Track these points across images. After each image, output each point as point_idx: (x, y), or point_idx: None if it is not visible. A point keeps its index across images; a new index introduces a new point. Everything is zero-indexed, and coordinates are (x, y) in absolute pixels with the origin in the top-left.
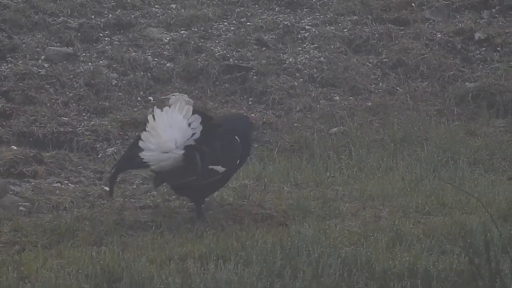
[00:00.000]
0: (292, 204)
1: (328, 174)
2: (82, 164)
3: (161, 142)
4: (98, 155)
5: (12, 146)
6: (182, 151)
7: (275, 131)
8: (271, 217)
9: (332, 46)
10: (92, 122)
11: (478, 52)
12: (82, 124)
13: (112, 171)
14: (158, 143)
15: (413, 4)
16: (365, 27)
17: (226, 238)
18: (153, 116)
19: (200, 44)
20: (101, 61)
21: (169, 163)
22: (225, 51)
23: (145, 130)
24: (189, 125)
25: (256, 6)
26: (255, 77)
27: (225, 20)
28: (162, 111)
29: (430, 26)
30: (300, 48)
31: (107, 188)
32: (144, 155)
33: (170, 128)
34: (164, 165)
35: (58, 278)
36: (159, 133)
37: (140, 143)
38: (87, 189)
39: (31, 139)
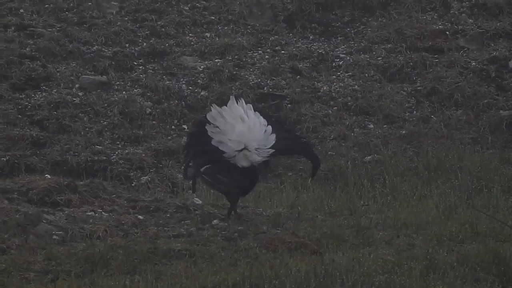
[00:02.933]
0: (326, 232)
1: (362, 202)
2: (116, 192)
3: (255, 138)
4: (132, 183)
5: (46, 175)
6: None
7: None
8: (305, 245)
9: (366, 74)
10: (126, 151)
11: None
12: (116, 152)
13: (190, 165)
14: (252, 139)
15: (447, 33)
16: (399, 55)
17: (260, 266)
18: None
19: (234, 72)
20: (135, 90)
21: (260, 158)
22: (259, 80)
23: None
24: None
25: (291, 34)
26: (289, 105)
27: (259, 49)
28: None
29: (464, 55)
30: (334, 76)
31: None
32: (229, 149)
33: (260, 125)
34: (255, 160)
35: None
36: (253, 129)
37: (229, 137)
38: (121, 218)
39: (65, 167)
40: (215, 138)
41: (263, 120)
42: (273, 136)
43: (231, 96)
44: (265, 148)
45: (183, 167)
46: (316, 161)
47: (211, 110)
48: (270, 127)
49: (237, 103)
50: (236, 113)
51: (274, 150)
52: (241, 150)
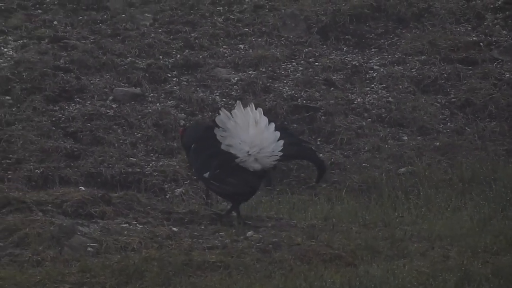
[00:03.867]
0: (360, 244)
1: (396, 214)
2: (150, 204)
3: (267, 141)
4: (166, 195)
5: (80, 187)
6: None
7: (343, 171)
8: (340, 257)
9: (400, 86)
10: (160, 163)
11: None
12: (150, 164)
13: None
14: (264, 142)
15: (481, 44)
16: (433, 67)
17: (294, 278)
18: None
19: (268, 84)
20: (169, 102)
21: (271, 162)
22: (293, 91)
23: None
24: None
25: (324, 46)
26: (323, 117)
27: (293, 60)
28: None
29: (498, 66)
30: (368, 88)
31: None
32: (241, 152)
33: (270, 129)
34: (266, 164)
35: None
36: (265, 132)
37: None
38: (155, 230)
39: (99, 179)
40: (224, 142)
41: (272, 125)
42: (281, 141)
43: (237, 101)
44: (276, 152)
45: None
46: (322, 166)
47: (219, 114)
48: (278, 132)
49: (244, 107)
50: (247, 117)
51: (283, 155)
52: (253, 153)
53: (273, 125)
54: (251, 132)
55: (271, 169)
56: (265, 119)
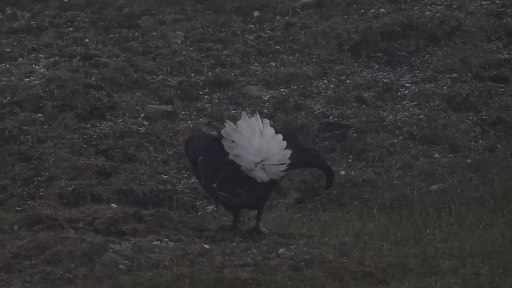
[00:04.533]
0: (391, 262)
1: (427, 231)
2: (181, 222)
3: (274, 151)
4: (198, 213)
5: (112, 204)
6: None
7: (374, 189)
8: (371, 274)
9: (432, 104)
10: (192, 180)
11: None
12: (182, 182)
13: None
14: (271, 152)
15: None
16: (464, 85)
17: None
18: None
19: (299, 101)
20: (200, 119)
21: (279, 172)
22: (324, 109)
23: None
24: None
25: (356, 64)
26: (355, 134)
27: (324, 78)
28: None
29: None
30: (399, 106)
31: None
32: (248, 162)
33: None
34: (274, 173)
35: None
36: (272, 142)
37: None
38: (187, 247)
39: (130, 197)
40: (232, 152)
41: (280, 135)
42: (289, 150)
43: (243, 112)
44: (284, 161)
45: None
46: (330, 173)
47: (225, 127)
48: (285, 142)
49: (249, 118)
50: (253, 127)
51: (291, 163)
52: (259, 162)
53: (280, 135)
54: (257, 142)
55: (280, 179)
56: (271, 129)
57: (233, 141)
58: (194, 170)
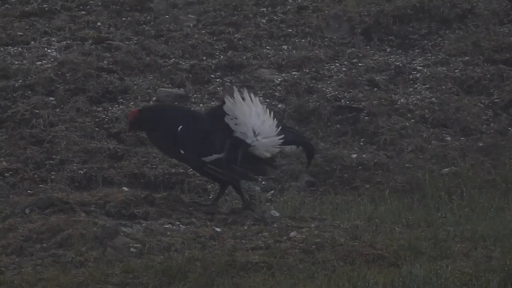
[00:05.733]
0: (403, 245)
1: (439, 214)
2: (193, 205)
3: (272, 126)
4: (209, 196)
5: (124, 188)
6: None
7: (386, 172)
8: (383, 257)
9: (444, 87)
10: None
11: None
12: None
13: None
14: (269, 127)
15: None
16: (476, 68)
17: (337, 278)
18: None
19: (311, 85)
20: (212, 102)
21: (277, 146)
22: (336, 92)
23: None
24: None
25: (368, 47)
26: (366, 118)
27: (336, 61)
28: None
29: None
30: (411, 89)
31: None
32: (252, 139)
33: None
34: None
35: None
36: (269, 118)
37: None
38: (198, 230)
39: (142, 180)
40: (237, 130)
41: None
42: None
43: (234, 87)
44: (280, 137)
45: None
46: (311, 149)
47: (224, 103)
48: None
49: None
50: (249, 103)
51: (283, 140)
52: (263, 138)
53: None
54: (257, 118)
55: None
56: (263, 106)
57: (236, 117)
58: (158, 140)
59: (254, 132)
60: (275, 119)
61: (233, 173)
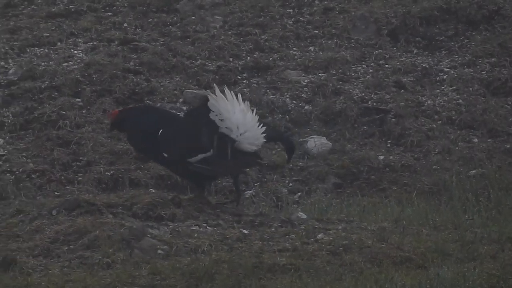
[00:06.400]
0: (430, 247)
1: (466, 216)
2: (220, 207)
3: (255, 121)
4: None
5: (150, 189)
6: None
7: (413, 174)
8: (410, 259)
9: (471, 88)
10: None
11: None
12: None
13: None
14: (253, 122)
15: None
16: (503, 69)
17: (364, 281)
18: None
19: (338, 86)
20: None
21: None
22: (363, 94)
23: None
24: None
25: (394, 48)
26: (393, 119)
27: (363, 63)
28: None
29: None
30: (438, 91)
31: None
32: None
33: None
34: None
35: None
36: (250, 113)
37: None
38: (226, 232)
39: (169, 182)
40: (222, 125)
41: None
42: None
43: (214, 85)
44: (263, 133)
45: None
46: (291, 145)
47: (208, 100)
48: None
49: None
50: (231, 100)
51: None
52: (244, 133)
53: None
54: (240, 115)
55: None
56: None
57: (220, 113)
58: (137, 142)
59: (238, 128)
60: (257, 116)
61: (222, 168)
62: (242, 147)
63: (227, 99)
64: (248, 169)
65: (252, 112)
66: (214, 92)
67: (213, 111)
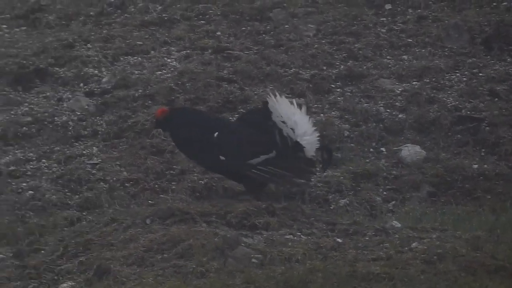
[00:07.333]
0: None
1: None
2: (314, 215)
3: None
4: (331, 206)
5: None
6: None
7: (508, 182)
8: (505, 268)
9: None
10: (325, 174)
11: None
12: (314, 175)
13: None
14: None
15: None
16: None
17: None
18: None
19: (432, 95)
20: (333, 112)
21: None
22: (457, 102)
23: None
24: None
25: (488, 57)
26: (487, 128)
27: (457, 71)
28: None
29: None
30: None
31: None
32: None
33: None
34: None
35: None
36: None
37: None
38: (320, 241)
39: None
40: (284, 127)
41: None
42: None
43: (268, 90)
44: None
45: None
46: (331, 155)
47: (267, 102)
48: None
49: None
50: (289, 103)
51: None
52: (307, 136)
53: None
54: (302, 118)
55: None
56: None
57: (281, 115)
58: (186, 145)
59: (300, 130)
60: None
61: (288, 171)
62: (303, 149)
63: (284, 101)
64: (304, 180)
65: (309, 118)
66: (273, 95)
67: (273, 113)
